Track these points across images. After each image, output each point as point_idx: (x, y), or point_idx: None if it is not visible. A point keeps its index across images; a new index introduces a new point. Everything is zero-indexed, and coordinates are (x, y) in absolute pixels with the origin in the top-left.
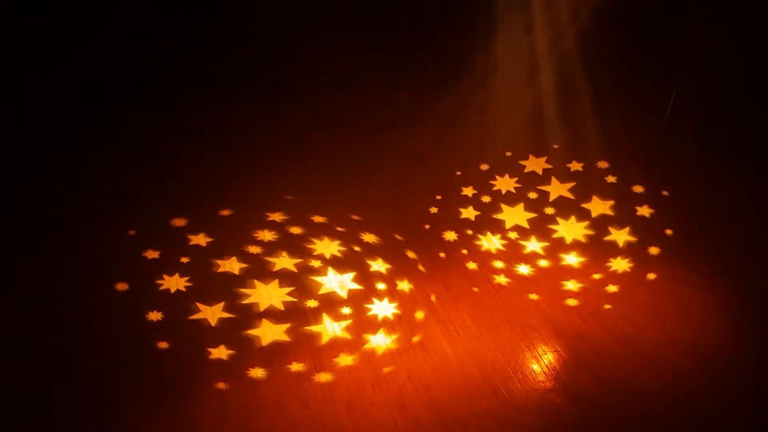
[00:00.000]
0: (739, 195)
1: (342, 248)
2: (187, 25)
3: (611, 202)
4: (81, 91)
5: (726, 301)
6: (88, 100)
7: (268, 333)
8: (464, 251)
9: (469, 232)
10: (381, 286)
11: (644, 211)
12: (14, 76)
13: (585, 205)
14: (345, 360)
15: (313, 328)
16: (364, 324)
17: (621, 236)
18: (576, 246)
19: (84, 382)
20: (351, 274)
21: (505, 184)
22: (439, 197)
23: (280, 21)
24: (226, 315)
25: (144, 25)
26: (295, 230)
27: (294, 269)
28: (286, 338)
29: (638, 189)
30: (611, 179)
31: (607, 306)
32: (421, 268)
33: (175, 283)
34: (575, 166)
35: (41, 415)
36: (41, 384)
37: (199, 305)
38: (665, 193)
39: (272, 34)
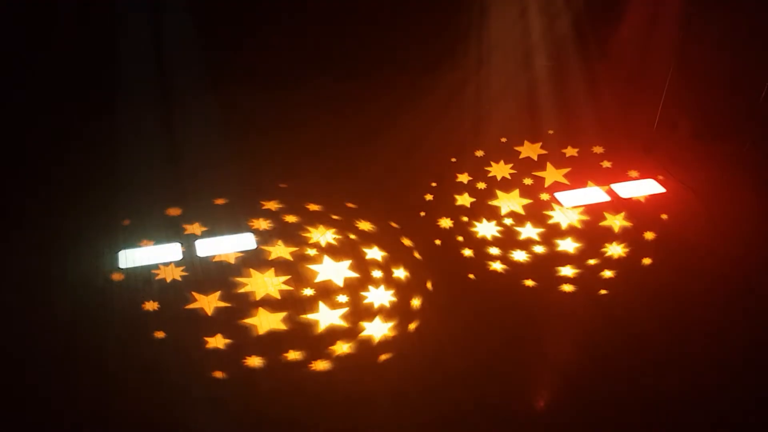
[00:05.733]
0: (733, 178)
1: (337, 236)
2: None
3: (606, 187)
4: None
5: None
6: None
7: (265, 322)
8: (460, 238)
9: (465, 218)
10: (377, 273)
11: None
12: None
13: (580, 190)
14: (342, 348)
15: (310, 316)
16: (360, 312)
17: (617, 221)
18: (572, 231)
19: (81, 372)
20: (347, 262)
21: (500, 170)
22: (434, 184)
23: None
24: (222, 304)
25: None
26: (290, 218)
27: (290, 258)
28: (282, 327)
29: (633, 174)
30: (606, 164)
31: (603, 291)
32: (416, 255)
33: (170, 272)
34: (570, 151)
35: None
36: (37, 377)
37: (195, 295)
38: (660, 177)
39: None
